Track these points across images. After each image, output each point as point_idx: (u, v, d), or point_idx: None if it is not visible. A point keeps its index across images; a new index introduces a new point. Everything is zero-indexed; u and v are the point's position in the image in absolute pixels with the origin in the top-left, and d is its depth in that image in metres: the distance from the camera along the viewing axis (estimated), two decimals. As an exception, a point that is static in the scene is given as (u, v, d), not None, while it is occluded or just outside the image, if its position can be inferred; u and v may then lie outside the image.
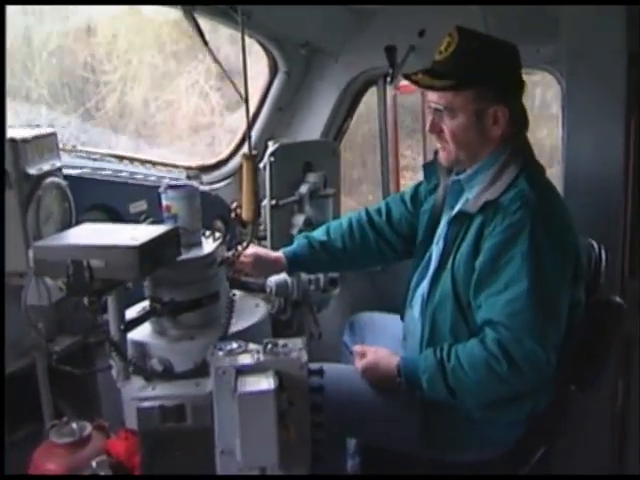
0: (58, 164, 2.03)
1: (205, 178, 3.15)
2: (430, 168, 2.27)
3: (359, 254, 2.40)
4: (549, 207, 1.92)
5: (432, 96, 2.01)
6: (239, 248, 2.11)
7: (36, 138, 1.94)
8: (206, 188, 3.06)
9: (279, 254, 2.36)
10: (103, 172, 2.52)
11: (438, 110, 1.99)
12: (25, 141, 1.90)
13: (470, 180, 2.05)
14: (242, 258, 2.18)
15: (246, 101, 1.81)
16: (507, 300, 1.84)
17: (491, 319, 1.86)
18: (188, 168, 3.10)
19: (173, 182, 2.03)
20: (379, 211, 2.42)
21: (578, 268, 1.99)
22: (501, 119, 1.97)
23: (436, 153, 2.19)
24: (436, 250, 2.14)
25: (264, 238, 2.73)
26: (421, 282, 2.18)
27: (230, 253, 2.07)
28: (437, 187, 2.24)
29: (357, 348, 2.14)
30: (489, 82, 1.95)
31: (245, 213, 1.94)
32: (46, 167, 1.97)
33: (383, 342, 2.29)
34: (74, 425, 1.85)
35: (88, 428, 1.85)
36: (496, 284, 1.87)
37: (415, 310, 2.17)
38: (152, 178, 2.74)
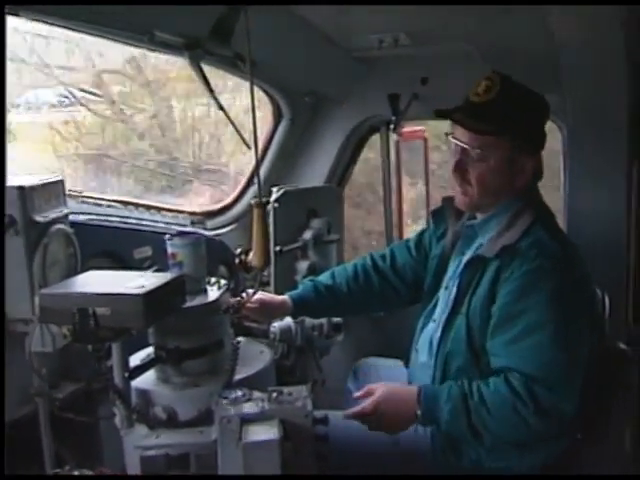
0: (65, 211, 2.04)
1: (209, 224, 3.18)
2: (439, 214, 2.28)
3: (364, 299, 2.39)
4: (569, 256, 1.92)
5: (465, 137, 1.97)
6: (244, 295, 2.12)
7: (43, 185, 1.95)
8: (210, 234, 3.08)
9: (285, 298, 2.35)
10: (109, 218, 2.54)
11: (467, 151, 1.97)
12: (33, 188, 1.91)
13: (484, 225, 2.06)
14: (247, 304, 2.18)
15: (255, 149, 1.83)
16: (530, 347, 1.81)
17: (513, 366, 1.83)
18: (193, 214, 3.13)
19: (179, 229, 2.03)
20: (383, 257, 2.42)
21: (593, 317, 1.98)
22: (528, 169, 1.98)
23: (445, 200, 2.19)
24: (445, 294, 2.12)
25: (267, 284, 2.73)
26: (426, 326, 2.17)
27: (236, 300, 2.07)
28: (445, 233, 2.24)
29: (360, 392, 2.00)
30: (527, 133, 1.96)
31: (256, 260, 1.96)
32: (53, 214, 1.97)
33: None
34: (75, 473, 1.83)
35: (90, 477, 1.83)
36: (515, 330, 1.84)
37: (421, 354, 2.15)
38: (157, 224, 2.76)
